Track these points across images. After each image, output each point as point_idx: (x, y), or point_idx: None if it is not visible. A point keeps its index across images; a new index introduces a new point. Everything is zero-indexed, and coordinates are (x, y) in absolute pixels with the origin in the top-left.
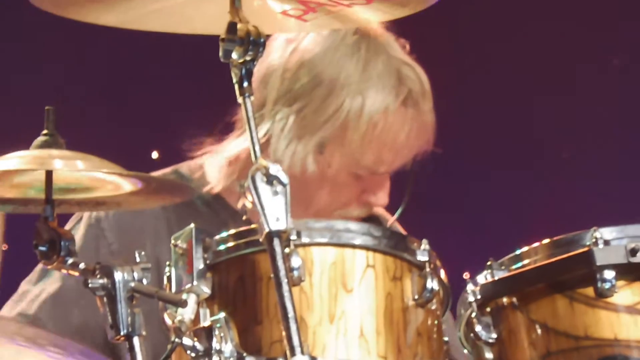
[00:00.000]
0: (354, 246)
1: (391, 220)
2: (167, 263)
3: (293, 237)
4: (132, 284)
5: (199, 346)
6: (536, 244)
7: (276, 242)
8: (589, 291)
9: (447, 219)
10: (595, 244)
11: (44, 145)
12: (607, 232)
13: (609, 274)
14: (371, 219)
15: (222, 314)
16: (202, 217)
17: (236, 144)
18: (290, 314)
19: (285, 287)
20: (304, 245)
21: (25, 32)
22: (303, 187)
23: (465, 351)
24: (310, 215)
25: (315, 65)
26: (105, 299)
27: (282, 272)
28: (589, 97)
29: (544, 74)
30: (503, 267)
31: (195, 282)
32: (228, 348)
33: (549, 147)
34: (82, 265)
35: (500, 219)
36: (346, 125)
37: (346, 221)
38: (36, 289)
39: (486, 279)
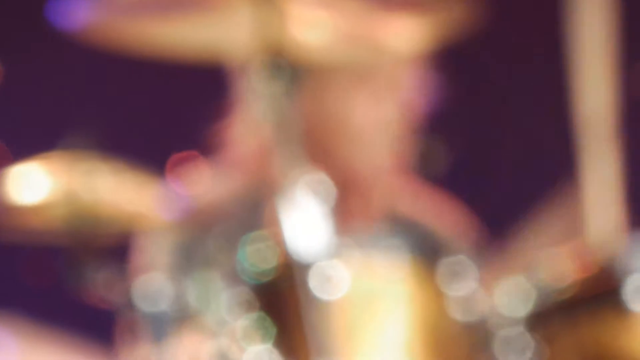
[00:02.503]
0: (385, 261)
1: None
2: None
3: (325, 263)
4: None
5: None
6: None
7: (307, 266)
8: None
9: None
10: None
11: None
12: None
13: None
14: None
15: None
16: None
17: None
18: (321, 331)
19: (317, 316)
20: (336, 262)
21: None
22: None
23: None
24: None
25: None
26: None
27: (313, 302)
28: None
29: None
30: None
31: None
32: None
33: None
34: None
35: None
36: None
37: (378, 235)
38: None
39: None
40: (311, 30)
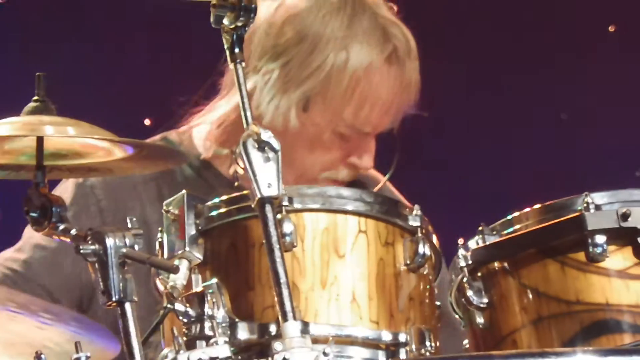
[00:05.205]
0: (346, 212)
1: (380, 183)
2: (160, 229)
3: (285, 203)
4: (124, 250)
5: (191, 312)
6: (527, 209)
7: (268, 209)
8: (581, 256)
9: (441, 184)
10: (587, 208)
11: (35, 112)
12: (598, 197)
13: (600, 239)
14: (356, 183)
15: (215, 280)
16: (190, 183)
17: (222, 107)
18: (282, 280)
19: (277, 253)
20: (296, 211)
21: None
22: (287, 145)
23: (457, 316)
24: (295, 175)
25: (300, 21)
26: (97, 265)
27: (274, 238)
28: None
29: (542, 37)
30: (494, 232)
31: (187, 248)
32: (220, 314)
33: (547, 110)
34: (73, 232)
35: (494, 184)
36: (329, 80)
37: (338, 187)
38: (26, 233)
39: (477, 244)
40: None
